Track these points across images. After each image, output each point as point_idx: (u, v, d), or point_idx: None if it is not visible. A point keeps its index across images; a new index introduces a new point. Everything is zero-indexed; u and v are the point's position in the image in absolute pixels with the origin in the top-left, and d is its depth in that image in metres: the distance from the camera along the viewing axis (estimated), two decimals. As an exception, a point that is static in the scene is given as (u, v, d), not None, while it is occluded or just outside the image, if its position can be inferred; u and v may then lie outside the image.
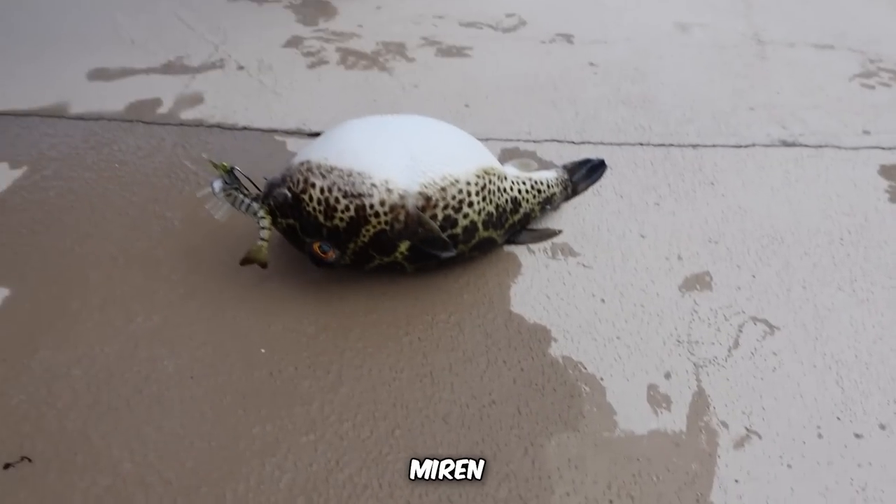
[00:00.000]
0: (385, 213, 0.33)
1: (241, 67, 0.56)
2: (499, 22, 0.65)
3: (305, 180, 0.33)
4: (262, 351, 0.34)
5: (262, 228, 0.34)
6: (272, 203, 0.34)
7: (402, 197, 0.33)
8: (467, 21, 0.65)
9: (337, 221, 0.33)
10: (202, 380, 0.32)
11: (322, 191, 0.33)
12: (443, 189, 0.33)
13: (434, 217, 0.34)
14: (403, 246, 0.34)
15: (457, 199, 0.34)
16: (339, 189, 0.33)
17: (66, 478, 0.28)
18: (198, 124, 0.49)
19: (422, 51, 0.60)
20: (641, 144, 0.50)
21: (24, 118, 0.49)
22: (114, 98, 0.51)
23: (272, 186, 0.34)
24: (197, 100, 0.51)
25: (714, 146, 0.50)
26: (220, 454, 0.29)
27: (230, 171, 0.34)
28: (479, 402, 0.32)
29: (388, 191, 0.33)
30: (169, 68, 0.55)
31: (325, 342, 0.34)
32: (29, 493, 0.28)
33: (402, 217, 0.33)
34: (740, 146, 0.50)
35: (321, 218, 0.33)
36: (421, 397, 0.32)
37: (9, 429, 0.30)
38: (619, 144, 0.49)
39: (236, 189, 0.34)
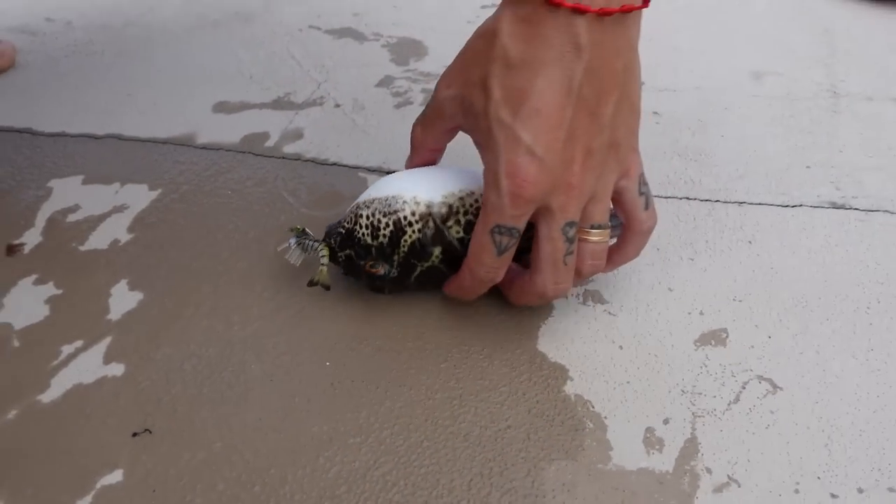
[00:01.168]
0: (416, 223, 0.40)
1: (337, 105, 0.64)
2: (574, 66, 0.70)
3: (355, 215, 0.41)
4: (327, 364, 0.41)
5: (323, 257, 0.42)
6: (331, 241, 0.42)
7: (428, 207, 0.40)
8: (544, 64, 0.70)
9: (381, 238, 0.40)
10: (279, 383, 0.40)
11: (367, 217, 0.40)
12: (461, 199, 0.40)
13: (458, 222, 0.40)
14: (437, 251, 0.40)
15: (474, 206, 0.40)
16: (380, 211, 0.40)
17: (174, 449, 0.37)
18: (296, 158, 0.58)
19: (497, 94, 0.65)
20: (688, 199, 0.53)
21: (161, 145, 0.60)
22: (231, 130, 0.61)
23: (330, 229, 0.42)
24: (297, 135, 0.60)
25: (760, 204, 0.52)
26: (287, 444, 0.37)
27: (303, 231, 0.42)
28: (497, 425, 0.38)
29: (416, 203, 0.40)
30: (278, 104, 0.64)
31: (378, 361, 0.42)
32: (148, 457, 0.37)
33: (430, 224, 0.40)
34: (787, 206, 0.52)
35: (369, 239, 0.40)
36: (448, 416, 0.38)
37: (137, 406, 0.40)
38: (667, 197, 0.53)
39: (306, 239, 0.42)
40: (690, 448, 0.37)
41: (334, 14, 0.80)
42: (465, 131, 0.39)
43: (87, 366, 0.42)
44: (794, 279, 0.46)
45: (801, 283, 0.46)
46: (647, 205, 0.40)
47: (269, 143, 0.60)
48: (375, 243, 0.40)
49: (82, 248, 0.50)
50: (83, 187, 0.56)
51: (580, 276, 0.39)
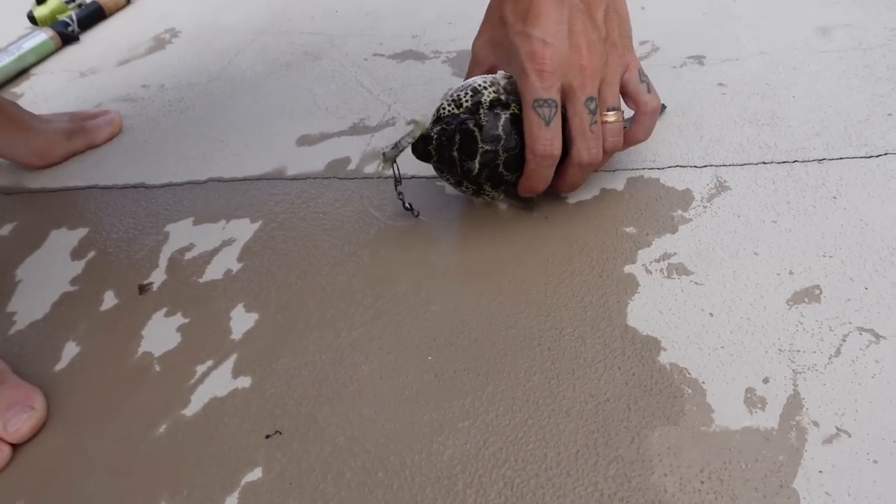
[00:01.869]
0: (490, 86, 0.47)
1: (408, 123, 0.68)
2: (632, 51, 0.71)
3: (436, 109, 0.49)
4: (429, 358, 0.44)
5: (413, 126, 0.49)
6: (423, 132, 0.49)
7: (493, 81, 0.48)
8: (602, 54, 0.71)
9: (465, 104, 0.47)
10: (388, 380, 0.44)
11: (447, 99, 0.48)
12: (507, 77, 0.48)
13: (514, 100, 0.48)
14: (513, 105, 0.47)
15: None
16: (456, 92, 0.48)
17: (303, 445, 0.41)
18: (378, 177, 0.62)
19: (559, 90, 0.67)
20: (764, 163, 0.53)
21: (256, 182, 0.65)
22: (316, 159, 0.66)
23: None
24: (376, 155, 0.64)
25: (841, 159, 0.51)
26: (403, 433, 0.41)
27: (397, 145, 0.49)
28: (596, 399, 0.40)
29: (483, 79, 0.48)
30: (354, 130, 0.69)
31: (476, 351, 0.44)
32: (282, 455, 0.41)
33: (499, 88, 0.47)
34: (870, 156, 0.51)
35: (453, 109, 0.47)
36: (548, 395, 0.40)
37: (266, 411, 0.44)
38: (742, 165, 0.53)
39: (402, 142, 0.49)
40: (794, 404, 0.37)
41: (395, 40, 0.84)
42: (498, 66, 0.50)
43: (219, 381, 0.47)
44: (887, 228, 0.45)
45: (895, 231, 0.45)
46: (650, 90, 0.50)
47: (351, 166, 0.64)
48: (459, 109, 0.47)
49: (201, 281, 0.56)
50: (194, 228, 0.62)
51: (606, 154, 0.48)
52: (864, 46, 0.63)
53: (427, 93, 0.72)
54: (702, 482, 0.35)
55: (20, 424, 0.46)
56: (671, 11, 0.75)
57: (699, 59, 0.67)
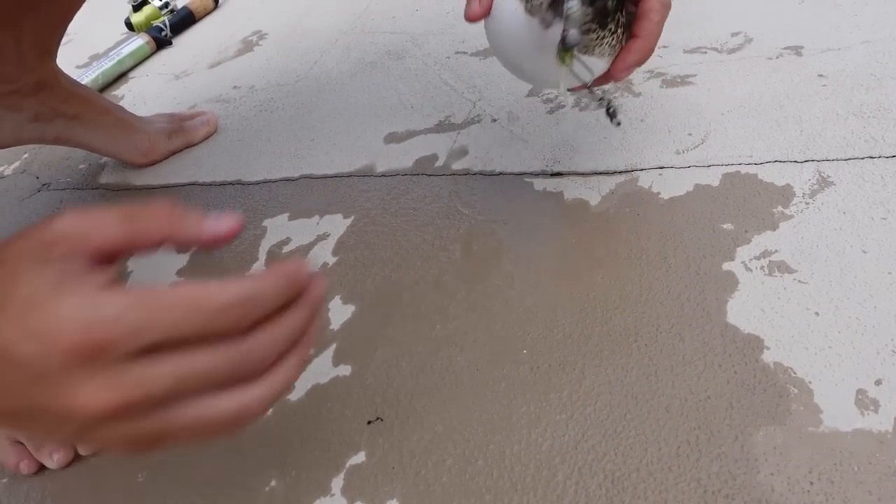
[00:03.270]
0: None
1: (494, 120, 0.68)
2: (723, 43, 0.69)
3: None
4: (524, 352, 0.45)
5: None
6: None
7: None
8: (692, 47, 0.70)
9: None
10: (484, 372, 0.45)
11: None
12: None
13: None
14: None
15: None
16: None
17: (404, 432, 0.43)
18: (465, 173, 0.63)
19: (647, 84, 0.67)
20: (871, 158, 0.51)
21: (347, 178, 0.68)
22: (404, 156, 0.68)
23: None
24: (463, 152, 0.66)
25: (957, 152, 0.49)
26: (500, 424, 0.42)
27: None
28: (697, 396, 0.39)
29: None
30: (440, 127, 0.70)
31: (570, 346, 0.45)
32: (384, 440, 0.43)
33: None
34: None
35: None
36: (647, 390, 0.41)
37: (367, 398, 0.46)
38: (847, 160, 0.51)
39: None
40: (910, 407, 0.36)
41: (476, 38, 0.85)
42: None
43: (321, 369, 0.49)
44: None
45: None
46: None
47: (439, 163, 0.65)
48: None
49: (299, 273, 0.59)
50: (290, 223, 0.65)
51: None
52: (981, 33, 0.59)
53: (511, 89, 0.72)
54: (811, 483, 0.34)
55: None
56: (764, 0, 0.73)
57: (796, 50, 0.64)
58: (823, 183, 0.50)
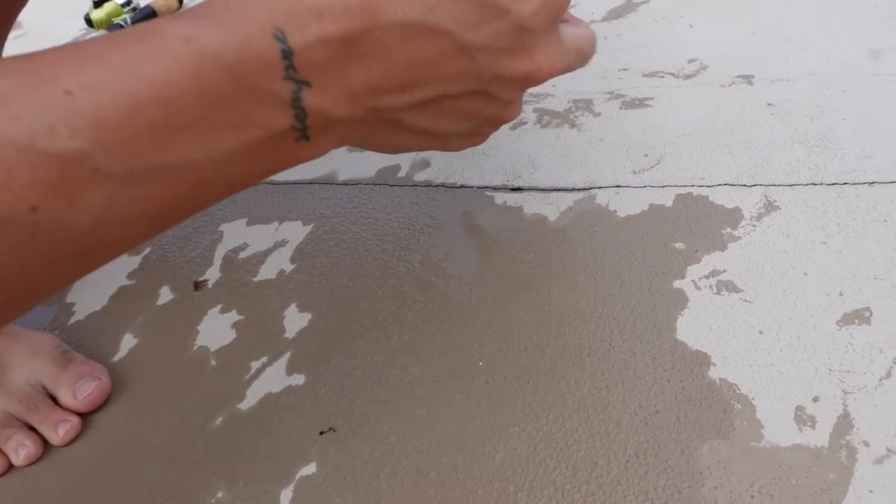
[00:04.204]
0: None
1: (457, 133, 0.69)
2: (680, 69, 0.71)
3: None
4: (480, 364, 0.46)
5: None
6: None
7: None
8: (650, 71, 0.72)
9: None
10: (439, 383, 0.45)
11: None
12: None
13: None
14: None
15: None
16: None
17: (356, 443, 0.43)
18: (427, 184, 0.63)
19: (607, 105, 0.68)
20: (814, 185, 0.53)
21: (308, 186, 0.67)
22: (367, 166, 0.68)
23: None
24: (425, 164, 0.66)
25: (892, 182, 0.52)
26: (453, 436, 0.42)
27: None
28: (646, 411, 0.40)
29: None
30: (403, 138, 0.70)
31: (525, 359, 0.45)
32: (336, 451, 0.43)
33: None
34: (923, 181, 0.51)
35: None
36: (599, 404, 0.41)
37: (320, 408, 0.45)
38: (791, 185, 0.54)
39: None
40: (844, 423, 0.37)
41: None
42: None
43: (274, 377, 0.49)
44: (940, 254, 0.45)
45: (948, 257, 0.45)
46: None
47: (401, 173, 0.66)
48: None
49: (255, 280, 0.58)
50: (248, 228, 0.64)
51: None
52: (917, 71, 0.63)
53: (475, 104, 0.73)
54: (752, 496, 0.35)
55: (90, 390, 0.49)
56: (719, 30, 0.76)
57: (748, 79, 0.67)
58: (770, 207, 0.52)
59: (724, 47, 0.73)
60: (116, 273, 0.63)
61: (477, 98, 0.31)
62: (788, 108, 0.62)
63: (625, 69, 0.74)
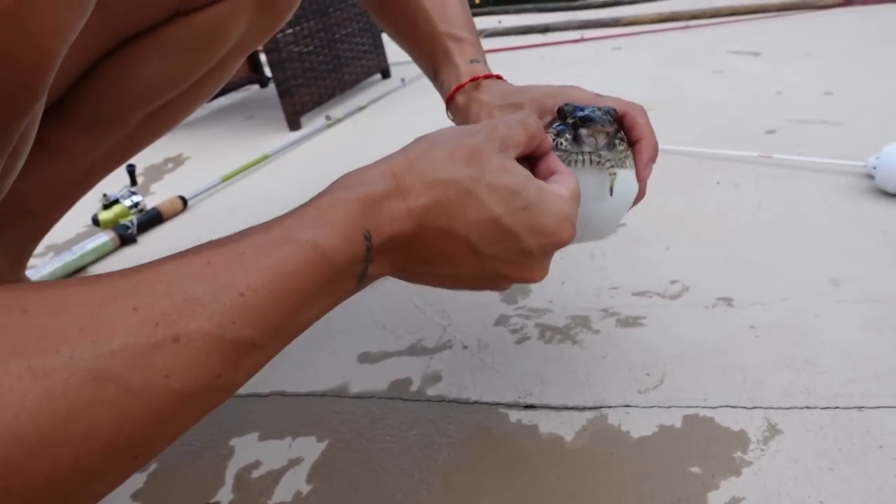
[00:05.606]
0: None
1: (465, 346, 0.73)
2: (665, 290, 0.79)
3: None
4: None
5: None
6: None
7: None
8: (639, 290, 0.79)
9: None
10: None
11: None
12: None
13: None
14: None
15: None
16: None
17: None
18: (441, 400, 0.65)
19: (604, 322, 0.74)
20: (809, 408, 0.57)
21: (320, 398, 0.69)
22: (378, 378, 0.70)
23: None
24: (437, 378, 0.68)
25: (878, 408, 0.56)
26: None
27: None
28: None
29: None
30: (413, 350, 0.74)
31: None
32: None
33: None
34: (906, 407, 0.56)
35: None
36: None
37: None
38: (788, 409, 0.58)
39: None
40: None
41: (442, 262, 0.93)
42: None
43: None
44: (939, 482, 0.48)
45: (947, 485, 0.48)
46: None
47: (413, 387, 0.68)
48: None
49: (271, 503, 0.57)
50: (260, 443, 0.64)
51: None
52: (874, 299, 0.71)
53: (479, 317, 0.78)
54: None
55: None
56: (694, 253, 0.85)
57: (728, 301, 0.74)
58: (773, 430, 0.55)
59: (700, 269, 0.81)
60: (121, 495, 0.61)
61: (480, 281, 0.43)
62: (770, 331, 0.68)
63: (615, 287, 0.80)
